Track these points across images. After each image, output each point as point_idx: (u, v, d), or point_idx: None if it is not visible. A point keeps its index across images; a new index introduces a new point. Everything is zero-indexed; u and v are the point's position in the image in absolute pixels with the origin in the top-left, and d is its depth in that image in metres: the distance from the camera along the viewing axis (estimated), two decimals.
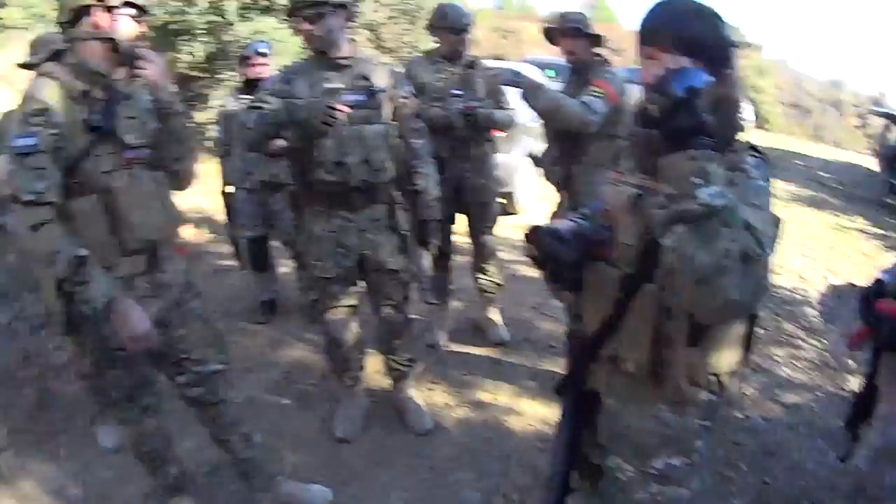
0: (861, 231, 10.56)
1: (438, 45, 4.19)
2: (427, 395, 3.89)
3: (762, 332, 4.94)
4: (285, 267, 5.09)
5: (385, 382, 3.85)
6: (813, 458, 3.71)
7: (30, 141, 2.05)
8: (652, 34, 1.55)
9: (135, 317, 2.16)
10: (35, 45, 3.29)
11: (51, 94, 2.12)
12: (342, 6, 2.91)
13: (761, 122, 27.70)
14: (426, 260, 3.38)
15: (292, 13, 2.95)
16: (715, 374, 1.59)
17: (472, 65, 4.16)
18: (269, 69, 4.57)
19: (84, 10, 2.17)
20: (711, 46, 1.52)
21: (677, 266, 1.28)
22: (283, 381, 3.96)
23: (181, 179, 2.54)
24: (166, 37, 7.88)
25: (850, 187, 15.51)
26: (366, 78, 3.00)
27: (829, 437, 3.92)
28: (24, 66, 3.28)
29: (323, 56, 2.98)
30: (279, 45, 7.59)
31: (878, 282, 2.65)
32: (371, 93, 2.98)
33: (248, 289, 5.21)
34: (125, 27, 2.23)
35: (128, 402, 2.47)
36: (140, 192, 2.28)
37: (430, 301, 3.48)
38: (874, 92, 39.51)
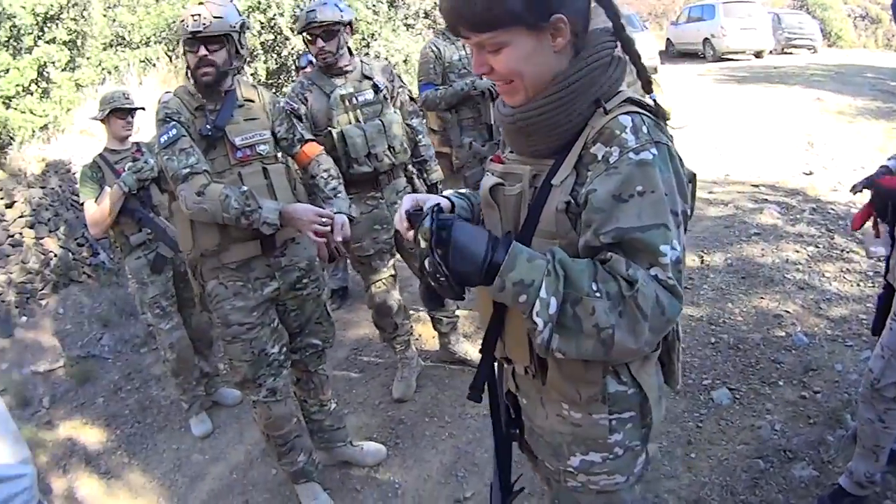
0: None
1: None
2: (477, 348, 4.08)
3: (813, 249, 4.78)
4: None
5: (436, 344, 4.11)
6: (858, 369, 3.43)
7: (171, 132, 2.43)
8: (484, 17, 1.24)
9: (300, 211, 2.45)
10: (102, 102, 3.77)
11: (175, 104, 2.53)
12: (349, 24, 3.35)
13: (832, 39, 25.70)
14: None
15: (306, 31, 3.32)
16: (624, 365, 1.39)
17: None
18: None
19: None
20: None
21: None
22: (350, 357, 4.33)
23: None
24: None
25: None
26: (368, 77, 3.41)
27: None
28: (95, 118, 3.86)
29: (330, 67, 3.38)
30: None
31: (884, 166, 2.67)
32: (376, 89, 3.39)
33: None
34: (189, 60, 2.57)
35: (253, 383, 2.72)
36: (250, 186, 2.55)
37: None
38: None
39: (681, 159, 1.28)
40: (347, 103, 3.33)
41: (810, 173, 6.67)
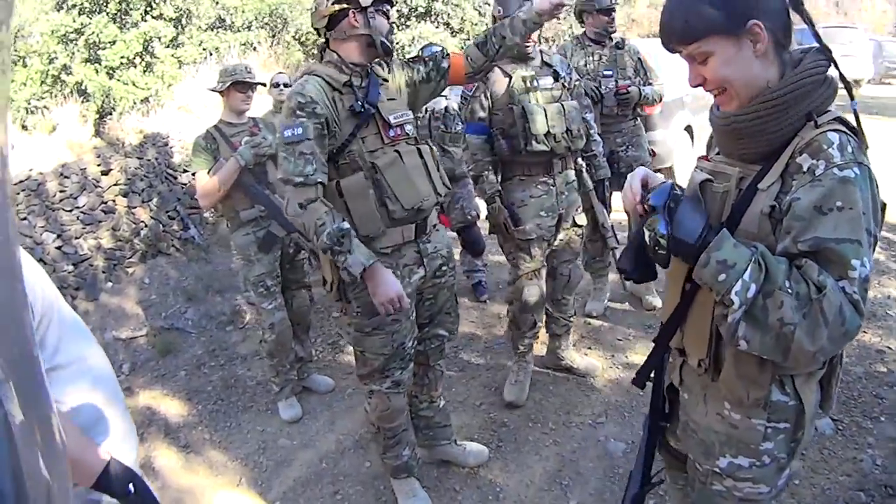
0: None
1: (585, 28, 4.42)
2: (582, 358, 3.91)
3: None
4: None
5: (541, 351, 3.92)
6: None
7: (297, 130, 2.25)
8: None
9: (387, 281, 2.30)
10: (223, 74, 3.68)
11: (314, 89, 2.31)
12: None
13: None
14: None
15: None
16: (790, 377, 1.46)
17: (619, 45, 4.38)
18: None
19: (339, 14, 2.39)
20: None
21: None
22: (450, 354, 4.09)
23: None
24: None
25: None
26: (549, 65, 3.43)
27: None
28: (214, 90, 3.75)
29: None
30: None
31: None
32: (556, 76, 3.41)
33: None
34: (379, 24, 2.43)
35: (380, 374, 2.58)
36: (403, 167, 2.44)
37: (615, 246, 3.84)
38: None
39: (877, 185, 1.33)
40: (528, 84, 3.34)
41: None
